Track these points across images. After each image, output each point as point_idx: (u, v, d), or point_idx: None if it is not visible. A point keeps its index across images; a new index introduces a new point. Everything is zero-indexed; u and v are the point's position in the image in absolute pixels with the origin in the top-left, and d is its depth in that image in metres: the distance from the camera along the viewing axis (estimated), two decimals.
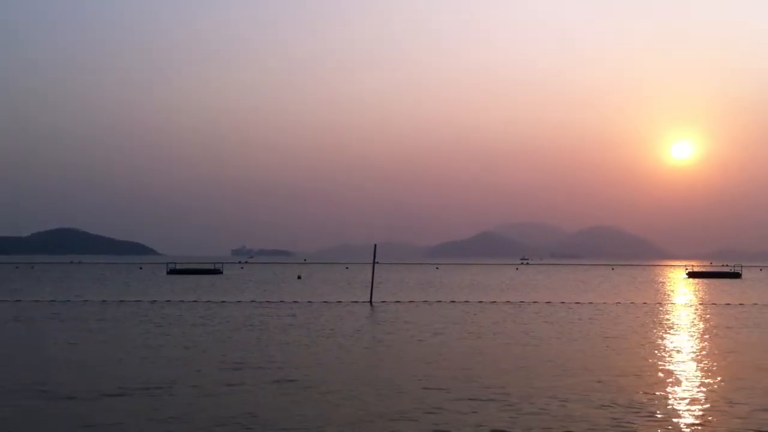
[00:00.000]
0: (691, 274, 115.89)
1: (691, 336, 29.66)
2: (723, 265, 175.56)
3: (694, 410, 15.10)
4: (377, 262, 53.34)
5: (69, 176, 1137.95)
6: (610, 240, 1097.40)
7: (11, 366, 21.00)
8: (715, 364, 21.57)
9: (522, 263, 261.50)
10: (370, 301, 48.16)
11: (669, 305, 48.84)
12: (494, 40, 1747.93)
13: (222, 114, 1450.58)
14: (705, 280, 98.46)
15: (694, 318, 38.59)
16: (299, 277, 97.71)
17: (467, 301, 49.73)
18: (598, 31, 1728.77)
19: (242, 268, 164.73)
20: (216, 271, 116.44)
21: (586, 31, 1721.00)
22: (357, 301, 49.04)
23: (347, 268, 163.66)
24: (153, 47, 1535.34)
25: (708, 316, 39.68)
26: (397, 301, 49.29)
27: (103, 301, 49.65)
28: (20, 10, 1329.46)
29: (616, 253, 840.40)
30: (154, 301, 49.00)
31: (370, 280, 52.39)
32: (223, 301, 49.51)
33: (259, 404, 15.42)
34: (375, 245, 54.28)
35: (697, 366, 21.16)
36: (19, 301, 49.55)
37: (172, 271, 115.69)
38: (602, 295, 59.42)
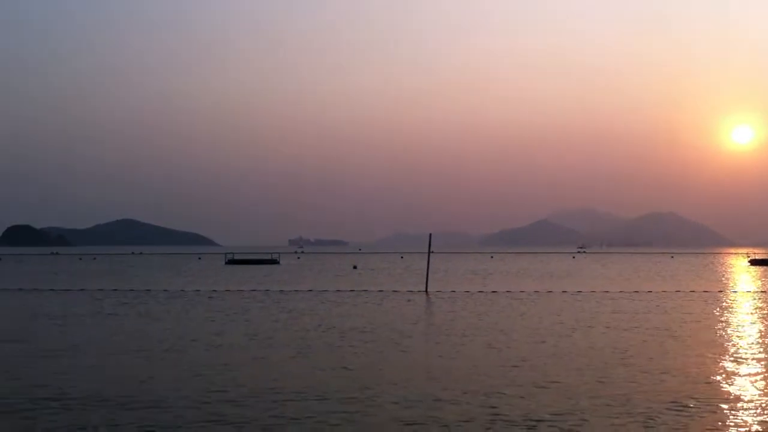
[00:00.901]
0: (754, 262, 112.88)
1: (754, 324, 29.11)
2: None
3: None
4: (432, 252, 53.43)
5: (129, 169, 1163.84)
6: (668, 227, 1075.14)
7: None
8: None
9: (579, 252, 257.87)
10: (426, 291, 48.28)
11: (731, 293, 47.86)
12: (559, 24, 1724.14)
13: (283, 106, 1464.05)
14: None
15: (758, 306, 37.79)
16: (355, 267, 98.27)
17: (523, 291, 49.48)
18: (657, 16, 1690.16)
19: (298, 258, 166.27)
20: (273, 261, 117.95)
21: (644, 15, 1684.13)
22: (413, 291, 49.20)
23: (402, 257, 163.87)
24: (211, 40, 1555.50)
25: None
26: (452, 291, 49.27)
27: (181, 290, 50.90)
28: (116, 8, 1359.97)
29: (675, 240, 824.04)
30: (213, 291, 50.05)
31: (426, 270, 52.52)
32: (281, 291, 50.26)
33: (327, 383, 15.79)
34: (430, 235, 54.41)
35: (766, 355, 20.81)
36: (100, 290, 51.12)
37: (231, 262, 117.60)
38: (662, 284, 58.49)
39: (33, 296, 47.05)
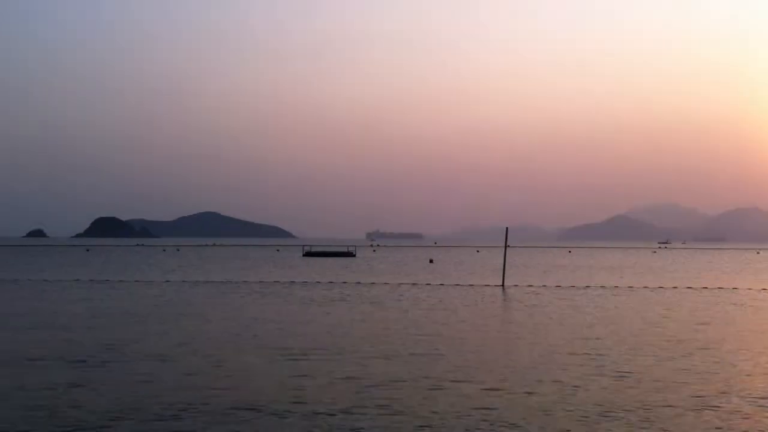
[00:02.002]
0: None
1: None
2: None
3: None
4: (508, 246, 53.12)
5: (212, 163, 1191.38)
6: (753, 222, 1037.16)
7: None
8: None
9: (660, 247, 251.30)
10: (502, 285, 48.09)
11: None
12: (627, 24, 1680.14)
13: (364, 104, 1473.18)
14: None
15: None
16: (431, 261, 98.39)
17: (602, 286, 48.74)
18: (735, 6, 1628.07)
19: (374, 251, 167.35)
20: (349, 254, 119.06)
21: (722, 6, 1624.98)
22: (489, 285, 49.07)
23: (478, 251, 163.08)
24: (305, 40, 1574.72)
25: None
26: (529, 285, 48.89)
27: (261, 281, 52.15)
28: (218, 17, 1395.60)
29: (761, 236, 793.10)
30: (291, 282, 51.04)
31: (502, 264, 52.28)
32: (358, 282, 50.84)
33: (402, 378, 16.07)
34: (507, 228, 54.09)
35: None
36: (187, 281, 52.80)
37: (308, 254, 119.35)
38: (747, 281, 56.69)
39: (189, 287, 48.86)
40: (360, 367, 17.83)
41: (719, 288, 47.37)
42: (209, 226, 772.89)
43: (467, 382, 16.07)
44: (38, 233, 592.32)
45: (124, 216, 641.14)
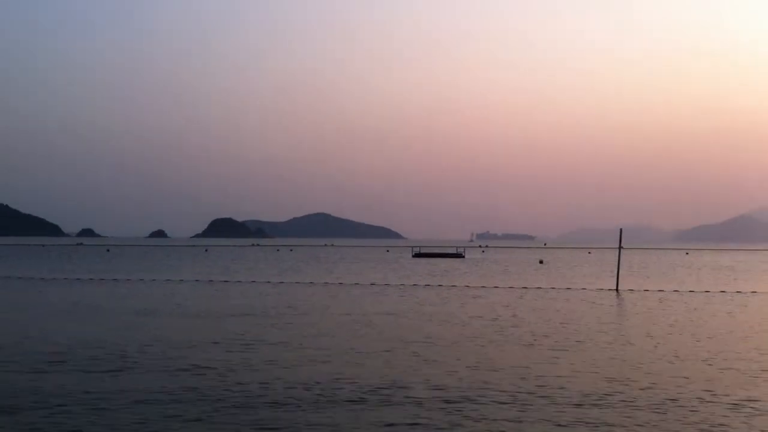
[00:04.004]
0: None
1: None
2: None
3: None
4: (622, 247, 51.67)
5: (320, 165, 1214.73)
6: None
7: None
8: None
9: None
10: (617, 289, 46.79)
11: None
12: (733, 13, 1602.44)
13: (463, 106, 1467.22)
14: None
15: None
16: (541, 262, 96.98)
17: (723, 291, 46.65)
18: None
19: (483, 252, 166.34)
20: (458, 255, 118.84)
21: None
22: (602, 289, 47.83)
23: (590, 252, 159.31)
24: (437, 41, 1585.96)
25: None
26: (644, 290, 47.32)
27: (372, 283, 52.92)
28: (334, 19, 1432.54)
29: None
30: (401, 285, 51.42)
31: (615, 266, 50.87)
32: (467, 286, 50.64)
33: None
34: (621, 230, 52.58)
35: None
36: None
37: (417, 255, 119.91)
38: None
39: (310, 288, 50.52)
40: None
41: None
42: (320, 227, 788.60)
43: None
44: (160, 234, 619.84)
45: (239, 217, 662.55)
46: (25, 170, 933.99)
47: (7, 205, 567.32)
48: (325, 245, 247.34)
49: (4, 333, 24.93)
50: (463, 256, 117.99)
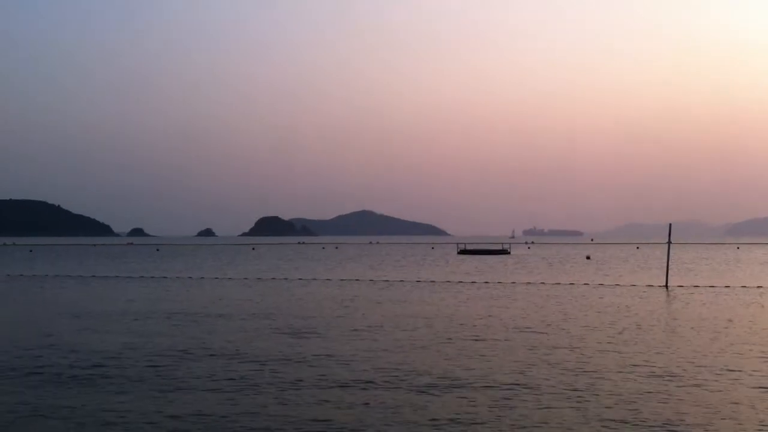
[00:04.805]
0: None
1: None
2: None
3: None
4: (671, 243, 51.04)
5: (365, 163, 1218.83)
6: None
7: None
8: None
9: None
10: (666, 285, 46.22)
11: None
12: None
13: (509, 101, 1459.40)
14: None
15: None
16: (588, 258, 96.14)
17: None
18: None
19: (529, 248, 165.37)
20: (504, 252, 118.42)
21: None
22: (651, 285, 47.26)
23: (638, 248, 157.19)
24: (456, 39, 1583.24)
25: None
26: (695, 286, 46.67)
27: (417, 280, 53.23)
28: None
29: None
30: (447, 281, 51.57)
31: (664, 262, 50.24)
32: (512, 282, 50.56)
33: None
34: (670, 225, 51.89)
35: None
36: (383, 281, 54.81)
37: (462, 252, 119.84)
38: None
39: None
40: None
41: None
42: (365, 225, 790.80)
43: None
44: (208, 232, 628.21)
45: (285, 216, 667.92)
46: (77, 172, 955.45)
47: (59, 206, 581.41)
48: (370, 243, 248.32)
49: (134, 334, 25.71)
50: (509, 253, 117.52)
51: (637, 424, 12.74)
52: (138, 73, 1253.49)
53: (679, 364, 18.36)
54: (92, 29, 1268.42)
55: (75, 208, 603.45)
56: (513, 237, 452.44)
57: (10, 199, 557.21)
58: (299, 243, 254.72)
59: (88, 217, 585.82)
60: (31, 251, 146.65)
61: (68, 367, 18.42)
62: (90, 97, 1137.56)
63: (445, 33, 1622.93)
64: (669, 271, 49.36)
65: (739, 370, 17.52)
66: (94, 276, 60.93)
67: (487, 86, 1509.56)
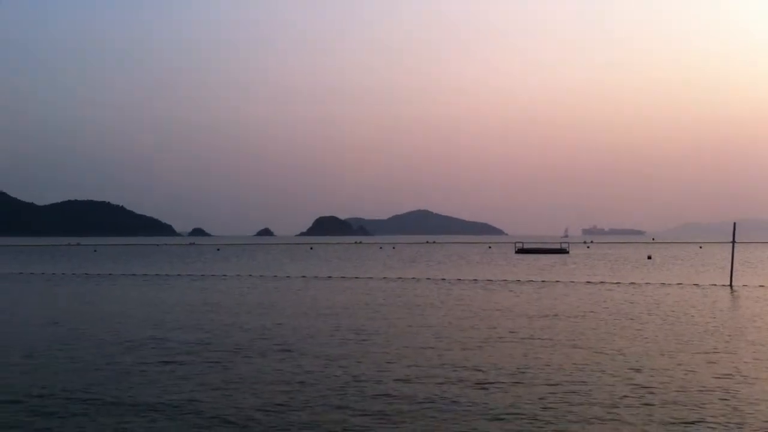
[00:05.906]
0: None
1: None
2: None
3: None
4: (735, 242, 50.24)
5: (421, 162, 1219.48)
6: None
7: None
8: None
9: None
10: (730, 285, 45.57)
11: None
12: None
13: (569, 99, 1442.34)
14: None
15: None
16: (649, 257, 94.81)
17: None
18: None
19: (588, 247, 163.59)
20: (562, 251, 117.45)
21: None
22: (715, 284, 46.64)
23: (701, 247, 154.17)
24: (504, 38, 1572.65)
25: None
26: (759, 285, 45.88)
27: (474, 279, 53.54)
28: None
29: None
30: (509, 280, 51.71)
31: (728, 262, 49.48)
32: (571, 281, 50.38)
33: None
34: (734, 224, 51.14)
35: None
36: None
37: (520, 251, 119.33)
38: None
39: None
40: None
41: None
42: (421, 224, 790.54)
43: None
44: (266, 232, 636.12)
45: (342, 215, 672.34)
46: (140, 173, 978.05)
47: (123, 207, 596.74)
48: (427, 242, 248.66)
49: (242, 330, 26.59)
50: (567, 252, 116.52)
51: (698, 422, 12.98)
52: (200, 73, 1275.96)
53: (746, 363, 18.42)
54: (156, 28, 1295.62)
55: (139, 209, 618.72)
56: (566, 236, 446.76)
57: (75, 200, 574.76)
58: (356, 243, 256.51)
59: (151, 218, 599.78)
60: (95, 251, 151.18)
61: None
62: (152, 99, 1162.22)
63: (502, 29, 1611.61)
64: (733, 270, 48.54)
65: None
66: (203, 275, 62.26)
67: (548, 83, 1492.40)
